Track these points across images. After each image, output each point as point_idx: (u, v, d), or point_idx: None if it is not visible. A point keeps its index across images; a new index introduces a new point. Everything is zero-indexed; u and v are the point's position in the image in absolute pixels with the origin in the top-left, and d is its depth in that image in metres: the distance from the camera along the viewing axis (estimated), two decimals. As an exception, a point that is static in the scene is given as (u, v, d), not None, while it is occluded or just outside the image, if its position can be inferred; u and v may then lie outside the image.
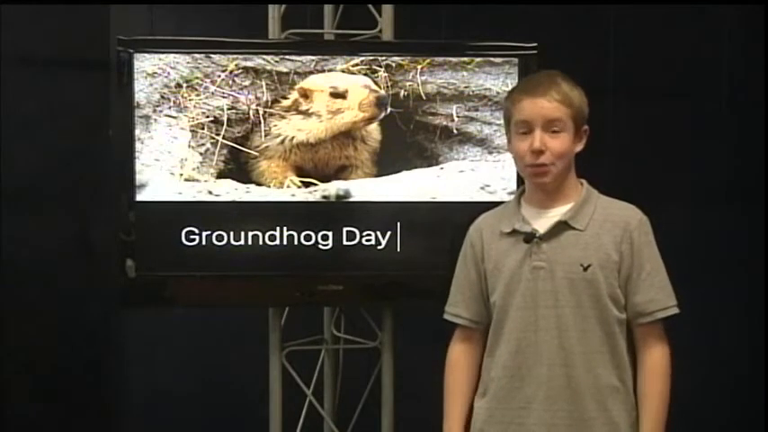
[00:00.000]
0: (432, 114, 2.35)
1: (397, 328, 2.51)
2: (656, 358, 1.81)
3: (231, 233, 2.32)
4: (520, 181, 1.98)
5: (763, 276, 3.02)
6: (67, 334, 2.96)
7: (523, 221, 1.84)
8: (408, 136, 2.35)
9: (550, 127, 1.77)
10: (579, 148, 1.83)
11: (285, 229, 2.33)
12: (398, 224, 2.35)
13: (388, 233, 2.34)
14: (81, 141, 2.92)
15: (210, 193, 2.33)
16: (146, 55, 2.29)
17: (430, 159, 2.36)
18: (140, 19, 2.90)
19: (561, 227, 1.81)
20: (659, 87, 3.06)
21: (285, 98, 2.34)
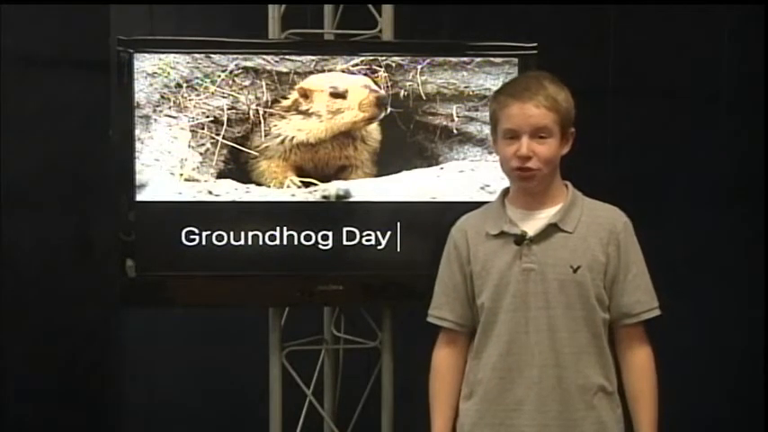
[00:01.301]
0: (432, 114, 2.35)
1: (396, 328, 2.51)
2: (643, 358, 1.84)
3: (231, 233, 2.32)
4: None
5: (763, 276, 3.02)
6: (67, 334, 2.96)
7: (511, 223, 1.84)
8: (408, 136, 2.35)
9: (537, 133, 1.77)
10: (565, 150, 1.83)
11: (285, 229, 2.33)
12: (398, 224, 2.35)
13: (388, 233, 2.34)
14: (81, 141, 2.92)
15: (210, 193, 2.33)
16: (146, 55, 2.29)
17: (430, 159, 2.36)
18: (140, 19, 2.90)
19: (551, 229, 1.82)
20: (659, 87, 3.06)
21: (285, 98, 2.33)
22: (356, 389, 2.65)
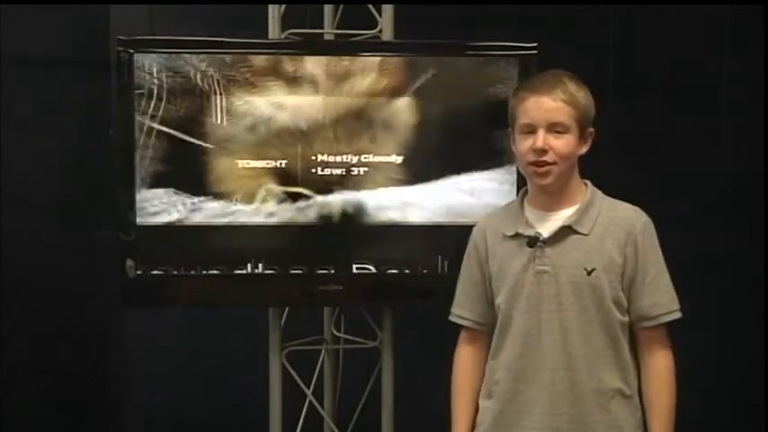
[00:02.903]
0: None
1: (397, 328, 2.51)
2: (661, 362, 1.82)
3: (231, 233, 2.31)
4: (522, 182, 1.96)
5: (763, 276, 3.01)
6: (68, 334, 2.96)
7: (527, 225, 1.83)
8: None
9: (554, 128, 1.76)
10: (584, 150, 1.82)
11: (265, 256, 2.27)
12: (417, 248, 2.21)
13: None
14: (81, 141, 2.92)
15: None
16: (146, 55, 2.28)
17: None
18: (140, 19, 2.90)
19: (565, 231, 1.80)
20: (659, 87, 3.06)
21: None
22: (356, 389, 2.65)
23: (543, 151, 1.76)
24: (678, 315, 1.82)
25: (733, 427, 2.99)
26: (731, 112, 3.04)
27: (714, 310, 2.90)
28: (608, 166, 2.87)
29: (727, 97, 3.04)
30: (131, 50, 2.27)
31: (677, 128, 3.05)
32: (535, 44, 2.32)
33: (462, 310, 1.93)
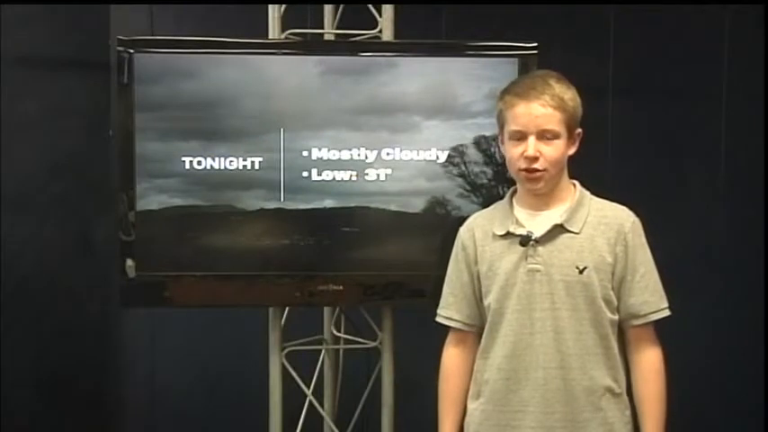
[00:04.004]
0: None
1: (396, 328, 2.51)
2: (651, 360, 1.83)
3: (231, 233, 2.31)
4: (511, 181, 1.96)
5: (762, 276, 3.01)
6: (68, 333, 2.96)
7: (517, 224, 1.84)
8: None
9: (544, 134, 1.77)
10: (572, 151, 1.83)
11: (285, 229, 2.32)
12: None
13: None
14: (81, 141, 2.92)
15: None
16: (146, 55, 2.28)
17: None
18: (140, 19, 2.90)
19: (557, 230, 1.81)
20: (659, 87, 3.06)
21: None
22: (356, 389, 2.65)
23: (534, 159, 1.77)
24: (667, 313, 1.83)
25: (733, 427, 2.99)
26: (731, 112, 3.04)
27: (713, 309, 2.90)
28: (608, 165, 2.89)
29: (727, 97, 3.04)
30: (131, 50, 2.27)
31: (677, 128, 3.05)
32: (535, 44, 2.32)
33: (450, 311, 1.92)
